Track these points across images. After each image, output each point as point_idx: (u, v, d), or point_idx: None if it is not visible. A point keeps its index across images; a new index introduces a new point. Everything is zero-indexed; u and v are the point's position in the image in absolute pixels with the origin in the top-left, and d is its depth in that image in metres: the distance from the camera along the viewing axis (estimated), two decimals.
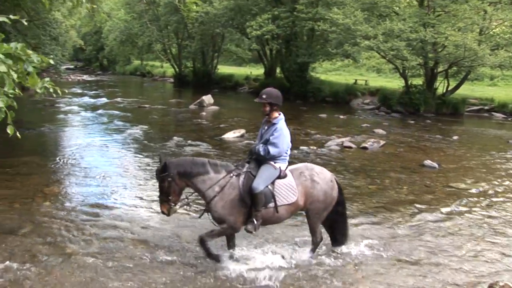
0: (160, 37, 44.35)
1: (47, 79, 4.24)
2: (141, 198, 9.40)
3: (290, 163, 6.63)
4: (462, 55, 23.80)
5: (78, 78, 49.89)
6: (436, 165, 13.32)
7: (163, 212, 6.18)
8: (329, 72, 45.34)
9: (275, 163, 6.28)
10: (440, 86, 28.25)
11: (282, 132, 6.23)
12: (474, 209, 9.64)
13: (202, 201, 6.64)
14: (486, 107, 29.49)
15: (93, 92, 34.19)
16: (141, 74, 60.40)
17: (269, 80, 37.39)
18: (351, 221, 8.52)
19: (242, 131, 17.45)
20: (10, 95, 3.49)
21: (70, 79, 45.38)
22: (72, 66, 72.98)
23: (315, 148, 15.22)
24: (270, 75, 38.09)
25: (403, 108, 27.28)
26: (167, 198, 6.04)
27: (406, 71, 28.08)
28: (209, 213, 6.27)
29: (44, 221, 7.83)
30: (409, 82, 28.35)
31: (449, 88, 28.26)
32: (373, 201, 9.91)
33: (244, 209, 6.15)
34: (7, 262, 6.26)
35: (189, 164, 6.13)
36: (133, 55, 61.33)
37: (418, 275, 6.46)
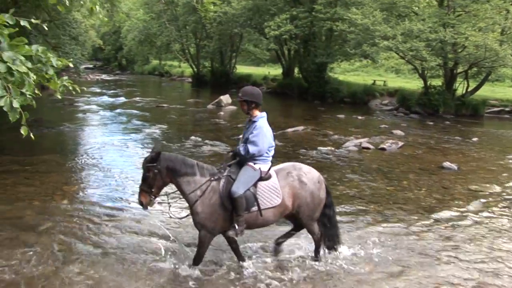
0: (178, 37, 44.48)
1: (65, 77, 4.28)
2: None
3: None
4: (482, 55, 23.54)
5: (97, 77, 50.27)
6: (455, 167, 13.18)
7: (141, 203, 5.88)
8: (347, 73, 45.16)
9: (254, 164, 6.04)
10: (460, 87, 27.92)
11: (261, 130, 5.99)
12: (494, 212, 9.51)
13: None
14: (507, 109, 29.03)
15: (112, 91, 34.43)
16: (159, 73, 60.60)
17: (287, 80, 37.39)
18: (369, 222, 8.52)
19: None
20: (28, 96, 3.52)
21: (89, 79, 45.74)
22: (91, 66, 73.53)
23: (333, 149, 15.16)
24: (288, 75, 38.03)
25: (422, 109, 27.02)
26: (149, 190, 5.82)
27: (425, 72, 27.80)
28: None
29: (62, 219, 7.90)
30: (428, 83, 28.06)
31: (469, 89, 27.91)
32: (391, 203, 9.84)
33: (225, 214, 5.95)
34: (26, 258, 6.34)
35: (180, 162, 5.95)
36: (151, 55, 61.50)
37: (436, 276, 6.40)
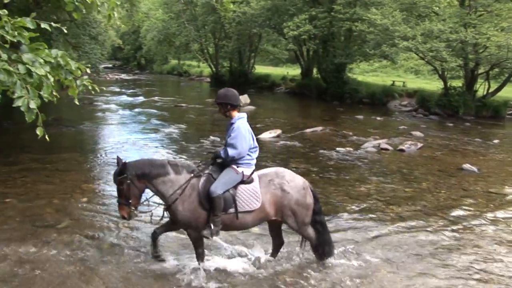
0: (197, 37, 44.59)
1: (85, 77, 4.32)
2: None
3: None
4: (505, 56, 23.24)
5: (116, 76, 50.65)
6: (476, 169, 13.03)
7: (123, 217, 5.81)
8: (366, 73, 44.89)
9: (237, 167, 5.92)
10: (481, 88, 27.56)
11: (239, 132, 5.83)
12: None
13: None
14: None
15: (131, 90, 34.67)
16: (178, 73, 60.87)
17: (305, 80, 37.29)
18: (388, 224, 8.46)
19: (278, 131, 17.44)
20: (45, 99, 3.56)
21: (108, 78, 46.15)
22: (110, 65, 74.10)
23: (351, 149, 15.09)
24: (307, 76, 37.92)
25: (441, 110, 26.73)
26: (127, 202, 5.70)
27: (445, 73, 27.52)
28: (167, 213, 6.01)
29: (81, 217, 7.96)
30: (448, 84, 27.76)
31: (490, 90, 27.52)
32: (410, 205, 9.76)
33: (204, 212, 5.83)
34: (44, 255, 6.43)
35: (148, 165, 5.81)
36: (170, 55, 61.72)
37: (456, 277, 6.34)
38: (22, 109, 3.43)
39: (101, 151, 13.81)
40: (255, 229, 7.32)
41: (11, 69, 3.36)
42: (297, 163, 13.14)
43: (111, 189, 10.00)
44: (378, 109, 29.02)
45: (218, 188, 5.70)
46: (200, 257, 6.12)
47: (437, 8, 27.86)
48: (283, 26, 32.10)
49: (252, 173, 6.07)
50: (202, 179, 5.88)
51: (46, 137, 3.95)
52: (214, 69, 45.95)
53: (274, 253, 6.67)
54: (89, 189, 9.90)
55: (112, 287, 5.78)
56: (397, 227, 8.38)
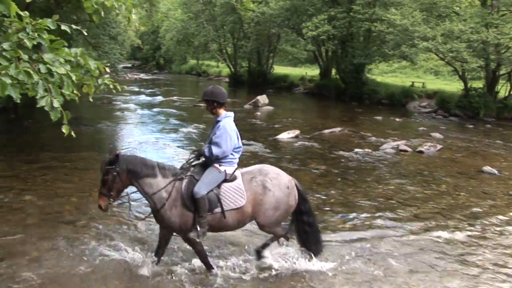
0: (216, 37, 44.73)
1: (107, 76, 4.36)
2: None
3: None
4: None
5: (135, 76, 50.96)
6: (496, 172, 12.87)
7: (99, 207, 5.62)
8: (385, 74, 44.60)
9: (220, 166, 5.86)
10: (502, 89, 27.20)
11: (225, 130, 5.78)
12: None
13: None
14: None
15: (150, 90, 34.84)
16: (197, 73, 60.98)
17: (324, 81, 37.16)
18: (406, 226, 8.40)
19: (297, 131, 17.41)
20: (67, 96, 3.60)
21: (127, 77, 46.46)
22: (129, 65, 74.65)
23: (370, 151, 15.01)
24: (326, 76, 37.78)
25: (461, 111, 26.42)
26: (108, 193, 5.57)
27: (466, 74, 27.17)
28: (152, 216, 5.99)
29: (99, 215, 8.01)
30: (469, 85, 27.42)
31: None
32: (429, 206, 9.68)
33: (190, 214, 5.75)
34: (63, 252, 6.54)
35: (140, 163, 5.71)
36: (189, 55, 62.00)
37: (479, 279, 6.27)
38: (46, 108, 3.47)
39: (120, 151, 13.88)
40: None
41: (31, 71, 3.40)
42: (315, 164, 13.10)
43: (129, 188, 10.05)
44: (397, 110, 28.79)
45: (201, 188, 5.66)
46: (205, 263, 6.12)
47: (458, 8, 27.53)
48: (302, 26, 32.05)
49: (235, 171, 6.01)
50: (185, 181, 5.81)
51: (72, 133, 3.99)
52: (232, 69, 46.02)
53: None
54: None
55: (131, 286, 5.82)
56: (416, 228, 8.32)
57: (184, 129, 17.84)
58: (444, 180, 11.98)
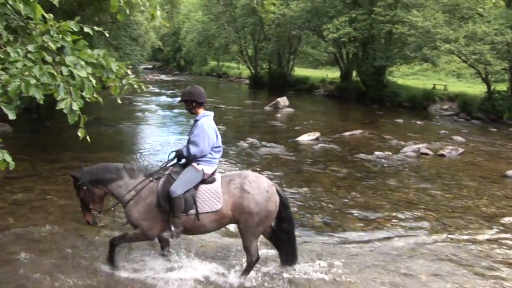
0: (236, 39, 44.83)
1: (132, 76, 4.40)
2: None
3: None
4: None
5: (156, 77, 51.31)
6: None
7: (87, 223, 5.88)
8: (406, 76, 44.26)
9: (198, 165, 5.77)
10: None
11: (203, 129, 5.72)
12: None
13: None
14: None
15: (170, 91, 35.03)
16: (217, 75, 61.12)
17: (345, 83, 37.03)
18: (427, 230, 8.32)
19: (317, 134, 17.36)
20: (88, 99, 3.64)
21: (148, 79, 46.79)
22: (150, 66, 75.28)
23: (390, 153, 14.89)
24: (346, 78, 37.63)
25: (484, 115, 26.09)
26: (87, 208, 5.78)
27: (489, 76, 26.76)
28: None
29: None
30: (492, 87, 27.02)
31: None
32: (450, 211, 9.58)
33: (162, 215, 5.71)
34: (84, 251, 6.64)
35: (102, 170, 5.75)
36: (209, 56, 62.19)
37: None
38: (65, 111, 3.52)
39: (139, 151, 14.00)
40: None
41: (55, 72, 3.45)
42: (335, 166, 13.05)
43: None
44: (418, 113, 28.53)
45: (178, 188, 5.58)
46: (123, 240, 6.06)
47: (482, 9, 27.21)
48: (323, 28, 31.99)
49: (214, 172, 5.93)
50: (161, 181, 5.76)
51: (88, 138, 4.03)
52: (253, 71, 46.07)
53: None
54: None
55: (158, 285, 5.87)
56: (436, 233, 8.24)
57: None
58: (466, 184, 11.84)
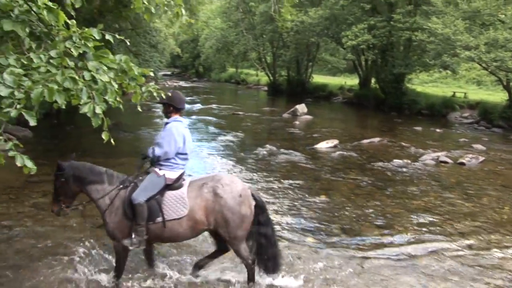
0: (255, 46, 44.96)
1: (152, 83, 4.44)
2: None
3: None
4: None
5: (175, 84, 51.64)
6: None
7: (52, 211, 5.74)
8: (425, 84, 43.95)
9: (159, 170, 5.65)
10: None
11: (170, 132, 5.60)
12: None
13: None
14: None
15: (189, 98, 35.20)
16: (236, 81, 61.28)
17: (363, 90, 36.89)
18: (446, 240, 8.22)
19: (336, 141, 17.31)
20: (111, 102, 3.68)
21: (167, 85, 47.09)
22: (169, 72, 75.87)
23: (409, 161, 14.77)
24: (365, 86, 37.48)
25: (505, 123, 25.74)
26: (58, 198, 5.66)
27: (511, 84, 26.51)
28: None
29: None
30: None
31: None
32: (469, 220, 9.45)
33: (129, 223, 5.59)
34: (102, 256, 6.71)
35: (87, 170, 5.68)
36: (228, 63, 62.49)
37: None
38: (88, 114, 3.56)
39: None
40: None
41: (76, 77, 3.50)
42: (353, 174, 12.99)
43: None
44: (437, 120, 28.29)
45: (139, 195, 5.50)
46: (118, 271, 5.91)
47: (503, 15, 26.87)
48: (342, 36, 31.92)
49: (180, 177, 5.80)
50: (128, 189, 5.69)
51: (112, 141, 4.07)
52: (271, 78, 46.13)
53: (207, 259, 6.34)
54: None
55: None
56: (456, 243, 8.13)
57: (223, 138, 17.96)
58: (487, 193, 11.69)
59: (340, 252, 7.39)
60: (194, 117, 23.88)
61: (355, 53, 35.32)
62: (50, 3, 3.78)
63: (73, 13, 4.30)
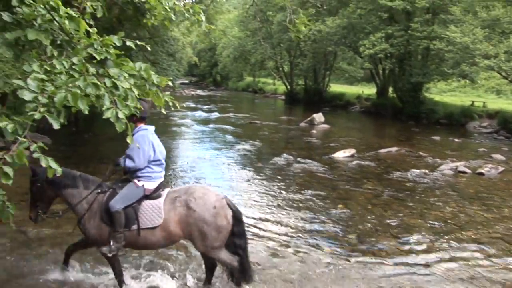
0: (272, 55, 45.08)
1: (167, 93, 4.48)
2: (247, 216, 9.50)
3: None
4: None
5: (192, 92, 51.96)
6: None
7: (29, 217, 5.68)
8: (443, 93, 43.66)
9: (138, 181, 5.65)
10: None
11: (137, 143, 5.43)
12: None
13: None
14: None
15: (206, 106, 35.39)
16: (253, 90, 61.43)
17: (381, 99, 36.76)
18: (464, 251, 8.13)
19: (353, 150, 17.25)
20: (132, 109, 3.73)
21: (184, 93, 47.42)
22: (186, 81, 76.44)
23: (427, 171, 14.65)
24: (383, 95, 37.33)
25: None
26: (34, 204, 5.61)
27: None
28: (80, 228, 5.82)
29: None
30: None
31: None
32: (489, 231, 9.34)
33: (107, 228, 5.59)
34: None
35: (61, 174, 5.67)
36: (245, 72, 62.72)
37: None
38: (111, 119, 3.60)
39: (174, 165, 14.14)
40: None
41: (98, 82, 3.55)
42: (371, 184, 12.93)
43: None
44: (456, 130, 28.04)
45: (117, 202, 5.49)
46: (118, 275, 5.92)
47: None
48: (359, 45, 31.90)
49: (158, 188, 5.79)
50: (106, 194, 5.68)
51: (137, 145, 4.10)
52: (288, 87, 46.21)
53: (209, 276, 6.25)
54: None
55: None
56: (475, 254, 8.03)
57: (240, 146, 18.00)
58: (507, 204, 11.54)
59: (357, 262, 7.34)
60: (211, 125, 23.98)
61: (373, 62, 35.24)
62: (72, 12, 3.84)
63: (92, 22, 4.37)
